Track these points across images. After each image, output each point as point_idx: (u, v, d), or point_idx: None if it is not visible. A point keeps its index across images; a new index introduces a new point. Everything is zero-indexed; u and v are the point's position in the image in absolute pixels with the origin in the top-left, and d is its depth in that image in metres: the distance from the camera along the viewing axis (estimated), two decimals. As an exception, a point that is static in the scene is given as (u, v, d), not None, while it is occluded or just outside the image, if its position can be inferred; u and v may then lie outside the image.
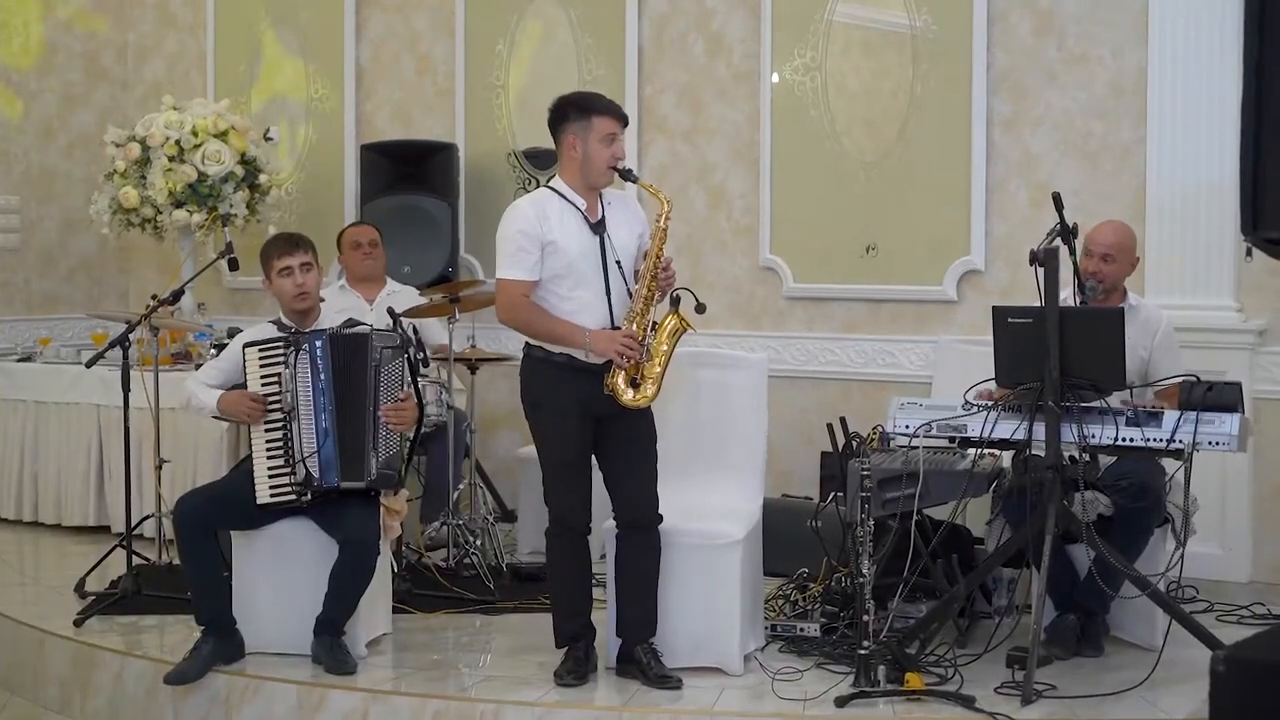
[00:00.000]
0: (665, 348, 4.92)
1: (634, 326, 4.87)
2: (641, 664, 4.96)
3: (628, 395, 4.87)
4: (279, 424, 5.22)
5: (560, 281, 4.91)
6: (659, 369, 4.90)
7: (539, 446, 5.06)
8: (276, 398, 5.23)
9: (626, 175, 4.94)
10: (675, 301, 4.93)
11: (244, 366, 5.29)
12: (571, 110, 4.98)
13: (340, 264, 7.08)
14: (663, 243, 4.90)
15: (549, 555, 5.10)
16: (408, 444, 5.48)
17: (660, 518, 5.00)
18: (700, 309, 4.89)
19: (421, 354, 5.66)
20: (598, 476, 5.04)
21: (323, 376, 5.22)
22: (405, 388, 5.31)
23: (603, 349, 4.84)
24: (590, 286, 4.89)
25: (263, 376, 5.25)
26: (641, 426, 4.99)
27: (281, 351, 5.25)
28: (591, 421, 4.93)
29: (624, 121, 4.99)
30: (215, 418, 5.52)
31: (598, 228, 4.92)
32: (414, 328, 6.18)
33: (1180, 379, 5.07)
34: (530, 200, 5.01)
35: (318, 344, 5.24)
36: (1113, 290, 5.46)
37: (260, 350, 5.28)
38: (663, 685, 4.88)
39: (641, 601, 4.99)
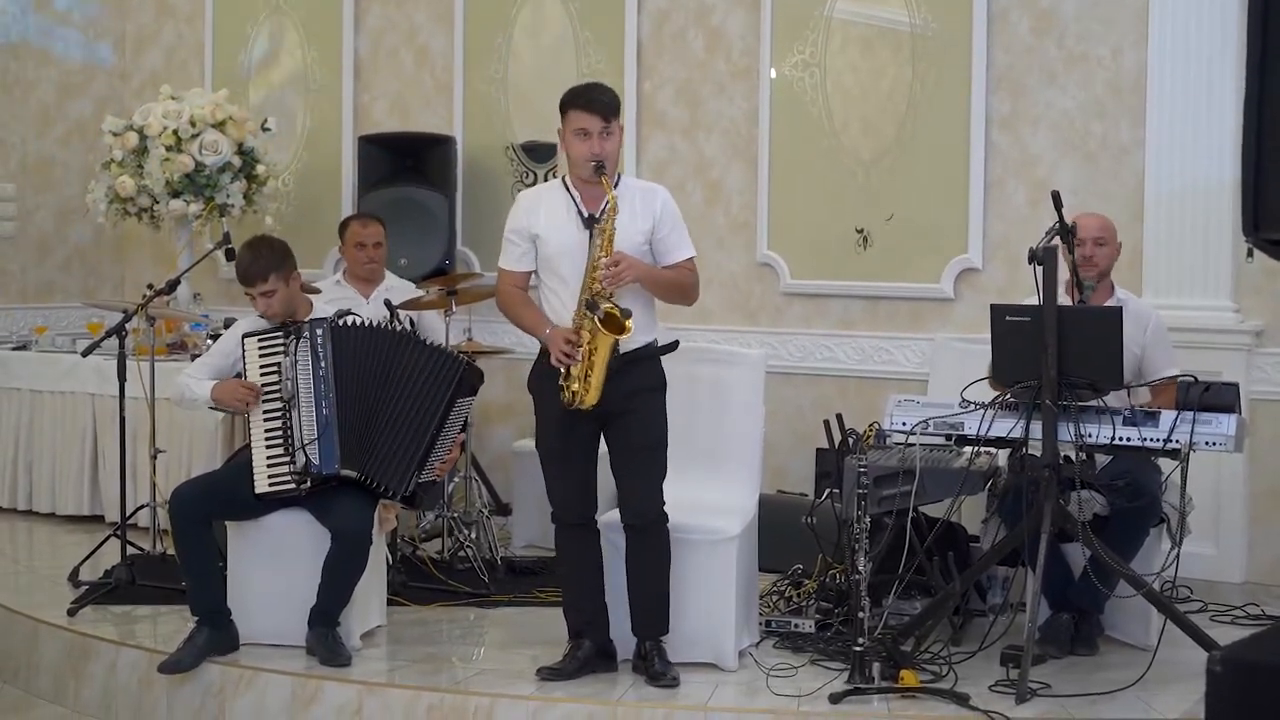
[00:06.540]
0: (591, 351, 4.76)
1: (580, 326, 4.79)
2: (644, 660, 4.94)
3: (565, 395, 4.81)
4: (278, 413, 5.21)
5: (546, 274, 4.93)
6: (589, 372, 4.77)
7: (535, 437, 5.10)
8: (276, 386, 5.22)
9: (598, 169, 4.82)
10: (589, 306, 4.75)
11: (243, 356, 5.28)
12: (561, 105, 4.95)
13: (341, 254, 6.98)
14: (605, 242, 4.78)
15: (555, 547, 5.14)
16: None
17: (655, 520, 4.93)
18: (604, 321, 4.70)
19: None
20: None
21: (323, 364, 5.21)
22: (461, 432, 5.45)
23: (551, 347, 4.82)
24: (569, 280, 4.85)
25: (262, 366, 5.25)
26: (636, 427, 4.91)
27: (281, 340, 5.25)
28: (591, 419, 4.88)
29: (598, 112, 4.82)
30: (210, 408, 5.50)
31: (589, 222, 4.86)
32: (411, 321, 6.17)
33: (1177, 378, 5.08)
34: (532, 191, 5.11)
35: (318, 332, 5.23)
36: (1103, 278, 5.47)
37: (260, 340, 5.28)
38: (657, 682, 4.85)
39: (643, 599, 4.95)
